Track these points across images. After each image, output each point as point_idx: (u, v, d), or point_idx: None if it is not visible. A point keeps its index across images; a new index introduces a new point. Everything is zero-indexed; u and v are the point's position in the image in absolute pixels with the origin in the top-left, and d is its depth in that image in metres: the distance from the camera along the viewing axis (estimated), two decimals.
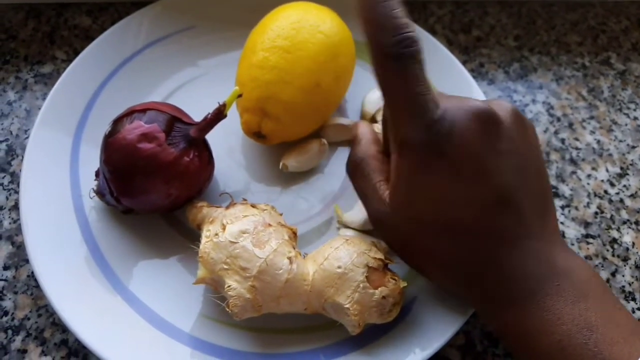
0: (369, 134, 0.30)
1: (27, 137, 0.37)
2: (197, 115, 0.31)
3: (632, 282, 0.34)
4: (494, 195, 0.24)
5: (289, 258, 0.27)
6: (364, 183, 0.28)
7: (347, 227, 0.33)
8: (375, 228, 0.28)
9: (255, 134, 0.33)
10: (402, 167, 0.25)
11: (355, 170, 0.29)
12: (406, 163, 0.25)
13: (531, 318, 0.24)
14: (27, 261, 0.32)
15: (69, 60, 0.40)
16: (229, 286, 0.26)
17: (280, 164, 0.34)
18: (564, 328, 0.23)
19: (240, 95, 0.30)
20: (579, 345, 0.23)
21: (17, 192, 0.35)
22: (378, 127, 0.34)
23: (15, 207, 0.34)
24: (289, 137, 0.34)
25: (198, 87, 0.38)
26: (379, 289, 0.27)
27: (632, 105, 0.42)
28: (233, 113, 0.32)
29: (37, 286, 0.31)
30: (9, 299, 0.31)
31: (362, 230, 0.32)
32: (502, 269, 0.24)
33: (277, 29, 0.32)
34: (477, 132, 0.24)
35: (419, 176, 0.24)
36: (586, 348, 0.22)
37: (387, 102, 0.25)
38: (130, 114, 0.29)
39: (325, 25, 0.32)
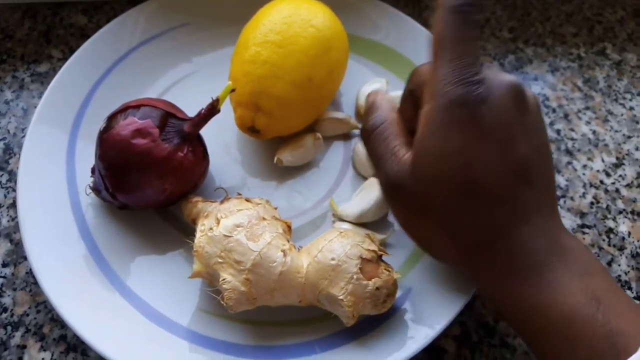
0: (386, 102, 0.29)
1: (24, 136, 0.37)
2: (192, 111, 0.31)
3: (628, 272, 0.34)
4: (516, 165, 0.25)
5: (283, 251, 0.27)
6: (383, 147, 0.27)
7: (342, 220, 0.33)
8: (387, 196, 0.27)
9: (249, 128, 0.33)
10: (435, 119, 0.25)
11: (372, 134, 0.28)
12: (440, 115, 0.25)
13: (540, 290, 0.24)
14: (25, 258, 0.33)
15: (65, 59, 0.40)
16: (223, 279, 0.26)
17: (275, 158, 0.34)
18: (573, 299, 0.23)
19: (233, 90, 0.30)
20: (588, 316, 0.23)
21: (14, 190, 0.35)
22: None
23: (13, 205, 0.34)
24: (283, 132, 0.34)
25: (193, 83, 0.38)
26: (373, 280, 0.27)
27: (628, 96, 0.42)
28: (227, 109, 0.32)
29: (36, 283, 0.32)
30: (8, 295, 0.32)
31: (358, 223, 0.33)
32: (513, 239, 0.25)
33: (268, 24, 0.32)
34: (510, 103, 0.25)
35: (450, 130, 0.25)
36: (594, 318, 0.23)
37: (437, 51, 0.26)
38: (124, 110, 0.30)
39: (317, 20, 0.32)
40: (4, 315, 0.31)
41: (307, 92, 0.32)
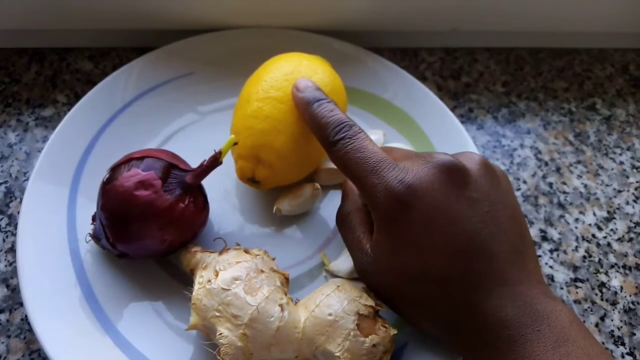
0: (355, 188, 0.31)
1: (25, 180, 0.37)
2: (194, 160, 0.32)
3: (621, 327, 0.35)
4: (464, 242, 0.25)
5: (281, 305, 0.27)
6: (350, 235, 0.29)
7: (334, 275, 0.33)
8: (360, 277, 0.30)
9: (250, 179, 0.33)
10: (379, 223, 0.27)
11: (342, 222, 0.31)
12: (379, 220, 0.27)
13: None
14: (21, 304, 0.32)
15: (69, 104, 0.41)
16: (220, 334, 0.26)
17: (274, 208, 0.35)
18: None
19: (236, 144, 0.31)
20: None
21: (14, 235, 0.35)
22: None
23: (12, 249, 0.35)
24: (282, 183, 0.35)
25: (195, 132, 0.39)
26: (370, 337, 0.27)
27: (618, 150, 0.44)
28: (228, 157, 0.33)
29: (30, 330, 0.32)
30: (2, 342, 0.31)
31: (349, 278, 0.33)
32: (479, 315, 0.25)
33: (270, 80, 0.33)
34: (442, 182, 0.26)
35: (392, 231, 0.26)
36: None
37: (350, 179, 0.28)
38: (128, 161, 0.30)
39: (317, 76, 0.33)
40: None
41: (306, 146, 0.33)
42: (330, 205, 0.37)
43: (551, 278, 0.36)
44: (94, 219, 0.32)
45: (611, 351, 0.34)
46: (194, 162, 0.32)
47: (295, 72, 0.33)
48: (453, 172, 0.26)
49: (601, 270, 0.37)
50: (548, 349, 0.24)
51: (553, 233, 0.38)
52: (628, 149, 0.44)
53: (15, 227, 0.35)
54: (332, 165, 0.37)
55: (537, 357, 0.24)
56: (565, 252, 0.38)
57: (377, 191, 0.26)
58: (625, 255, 0.38)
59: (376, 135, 0.39)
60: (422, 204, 0.25)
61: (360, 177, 0.27)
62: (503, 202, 0.27)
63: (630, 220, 0.40)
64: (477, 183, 0.26)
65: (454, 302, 0.26)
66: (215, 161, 0.31)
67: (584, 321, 0.35)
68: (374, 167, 0.27)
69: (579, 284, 0.36)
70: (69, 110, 0.37)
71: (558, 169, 0.42)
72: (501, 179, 0.28)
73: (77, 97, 0.40)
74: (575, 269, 0.37)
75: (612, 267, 0.37)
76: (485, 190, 0.27)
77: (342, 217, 0.31)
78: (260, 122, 0.32)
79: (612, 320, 0.35)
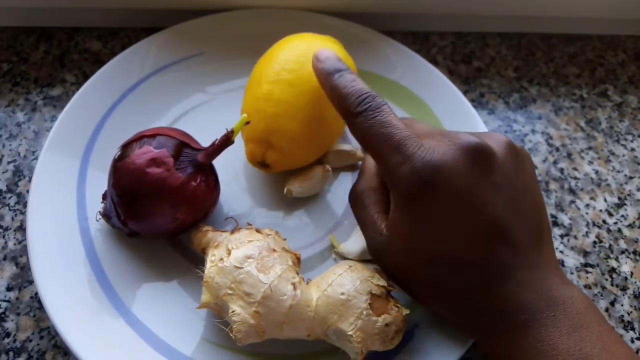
0: (373, 167, 0.31)
1: (34, 159, 0.37)
2: (205, 140, 0.32)
3: (631, 312, 0.35)
4: (486, 227, 0.25)
5: (293, 284, 0.27)
6: (364, 213, 0.29)
7: (344, 258, 0.33)
8: (372, 257, 0.29)
9: (259, 163, 0.33)
10: (398, 202, 0.26)
11: (356, 200, 0.30)
12: (398, 199, 0.26)
13: (526, 349, 0.24)
14: (30, 282, 0.32)
15: (78, 84, 0.41)
16: (233, 311, 0.26)
17: (285, 189, 0.34)
18: (559, 359, 0.23)
19: (248, 123, 0.31)
20: None
21: (23, 213, 0.35)
22: None
23: (21, 227, 0.34)
24: (292, 166, 0.34)
25: (206, 112, 0.38)
26: (382, 316, 0.27)
27: (629, 137, 0.43)
28: (238, 138, 0.33)
29: (40, 308, 0.32)
30: (12, 320, 0.31)
31: (359, 260, 0.33)
32: (496, 299, 0.25)
33: (282, 62, 0.32)
34: (468, 165, 0.25)
35: (412, 211, 0.25)
36: None
37: (371, 154, 0.27)
38: (139, 138, 0.30)
39: None
40: (6, 340, 0.31)
41: (317, 130, 0.33)
42: (339, 188, 0.37)
43: (562, 263, 0.36)
44: (104, 197, 0.32)
45: (621, 335, 0.34)
46: (204, 143, 0.32)
47: (307, 53, 0.33)
48: (480, 156, 0.25)
49: (611, 255, 0.37)
50: (563, 333, 0.24)
51: (564, 218, 0.38)
52: (639, 136, 0.43)
53: (24, 206, 0.35)
54: (342, 147, 0.37)
55: (551, 341, 0.23)
56: (575, 237, 0.38)
57: (399, 170, 0.25)
58: (636, 241, 0.38)
59: None
60: (446, 186, 0.25)
61: (383, 153, 0.26)
62: (526, 187, 0.27)
63: None
64: (503, 167, 0.26)
65: (470, 286, 0.25)
66: (227, 140, 0.30)
67: None
68: (398, 145, 0.25)
69: (589, 269, 0.36)
70: (77, 90, 0.37)
71: (569, 155, 0.42)
72: (526, 162, 0.28)
73: (86, 77, 0.40)
74: (585, 254, 0.37)
75: (622, 252, 0.37)
76: (510, 175, 0.26)
77: (356, 195, 0.30)
78: (271, 105, 0.32)
79: (622, 305, 0.35)
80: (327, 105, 0.33)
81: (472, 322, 0.26)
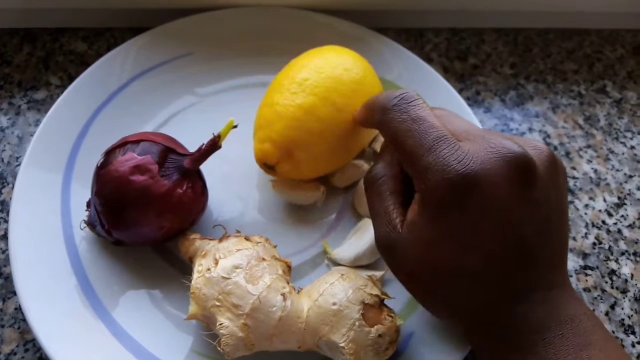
0: (390, 154, 0.28)
1: (18, 165, 0.36)
2: (193, 143, 0.31)
3: (632, 315, 0.34)
4: (513, 248, 0.23)
5: (283, 294, 0.26)
6: (378, 203, 0.26)
7: (337, 264, 0.32)
8: (380, 251, 0.26)
9: (266, 164, 0.32)
10: (424, 208, 0.24)
11: (371, 185, 0.27)
12: (425, 204, 0.24)
13: None
14: (14, 293, 0.31)
15: (63, 86, 0.39)
16: (220, 324, 0.25)
17: (272, 182, 0.33)
18: None
19: (235, 127, 0.30)
20: None
21: (6, 222, 0.34)
22: None
23: (4, 236, 0.33)
24: (296, 179, 0.33)
25: (193, 114, 0.37)
26: (375, 327, 0.26)
27: (629, 134, 0.42)
28: (226, 141, 0.32)
29: (25, 319, 0.31)
30: None
31: (352, 267, 0.32)
32: (507, 319, 0.24)
33: (336, 82, 0.31)
34: (508, 179, 0.23)
35: (440, 220, 0.23)
36: None
37: (400, 153, 0.25)
38: (123, 145, 0.29)
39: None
40: None
41: (338, 160, 0.33)
42: (332, 194, 0.35)
43: None
44: (88, 205, 0.31)
45: (621, 340, 0.33)
46: (192, 146, 0.31)
47: (362, 81, 0.32)
48: (522, 169, 0.23)
49: (611, 257, 0.36)
50: (570, 352, 0.23)
51: None
52: (639, 133, 0.42)
53: (8, 214, 0.34)
54: (349, 168, 0.35)
55: None
56: (574, 238, 0.37)
57: (431, 173, 0.23)
58: (636, 242, 0.37)
59: None
60: (481, 198, 0.22)
61: (415, 152, 0.24)
62: (560, 203, 0.25)
63: None
64: (543, 182, 0.24)
65: (484, 303, 0.24)
66: (214, 145, 0.29)
67: (594, 310, 0.34)
68: (433, 145, 0.23)
69: (589, 272, 0.35)
70: (62, 92, 0.36)
71: (567, 154, 0.41)
72: (562, 177, 0.26)
73: (71, 79, 0.39)
74: (585, 256, 0.36)
75: (622, 254, 0.36)
76: (549, 192, 0.24)
77: (372, 180, 0.27)
78: (311, 120, 0.30)
79: (622, 309, 0.34)
80: (362, 139, 0.33)
81: (478, 337, 0.25)
